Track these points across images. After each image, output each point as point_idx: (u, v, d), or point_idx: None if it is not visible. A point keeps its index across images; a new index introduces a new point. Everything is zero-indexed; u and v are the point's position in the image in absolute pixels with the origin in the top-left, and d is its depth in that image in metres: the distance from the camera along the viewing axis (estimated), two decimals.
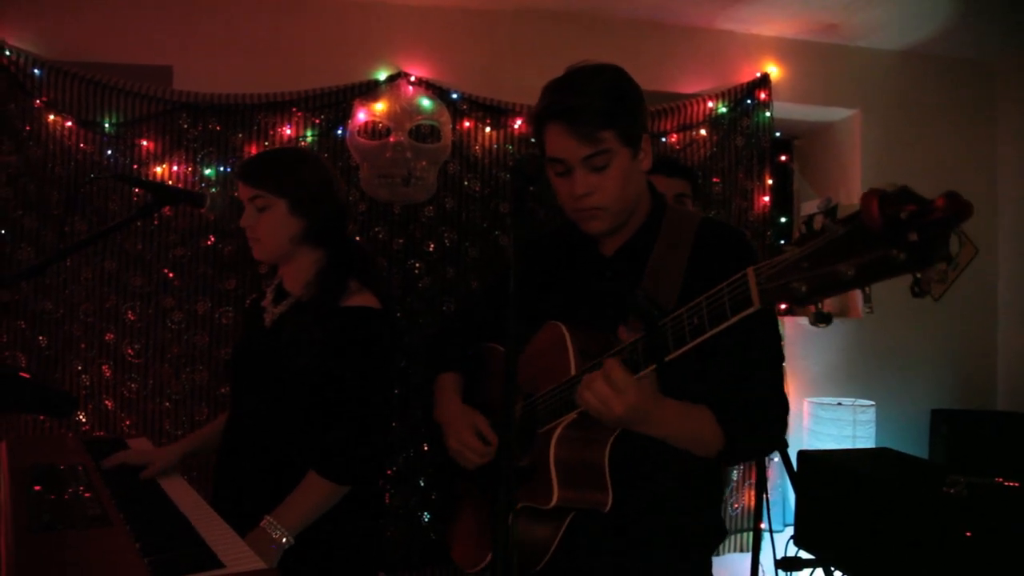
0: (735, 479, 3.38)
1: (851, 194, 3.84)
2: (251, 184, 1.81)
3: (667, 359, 1.20)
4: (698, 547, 1.54)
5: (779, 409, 1.45)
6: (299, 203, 1.80)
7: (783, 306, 3.62)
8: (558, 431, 1.38)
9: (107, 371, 2.88)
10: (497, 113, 3.23)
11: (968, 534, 2.12)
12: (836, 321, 3.72)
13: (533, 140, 1.55)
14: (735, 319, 1.08)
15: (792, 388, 3.61)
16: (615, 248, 1.54)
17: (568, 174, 1.43)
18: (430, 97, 3.13)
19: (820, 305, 0.95)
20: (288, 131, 3.04)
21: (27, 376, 1.72)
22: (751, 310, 1.05)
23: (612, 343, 1.38)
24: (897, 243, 0.83)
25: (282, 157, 1.91)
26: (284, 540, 1.62)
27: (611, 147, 1.39)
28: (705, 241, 1.47)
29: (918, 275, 0.84)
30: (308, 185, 1.82)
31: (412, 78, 3.16)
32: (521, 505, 1.40)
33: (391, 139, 3.03)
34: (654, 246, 1.49)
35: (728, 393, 1.39)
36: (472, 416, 1.61)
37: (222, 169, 2.98)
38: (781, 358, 1.48)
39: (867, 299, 0.92)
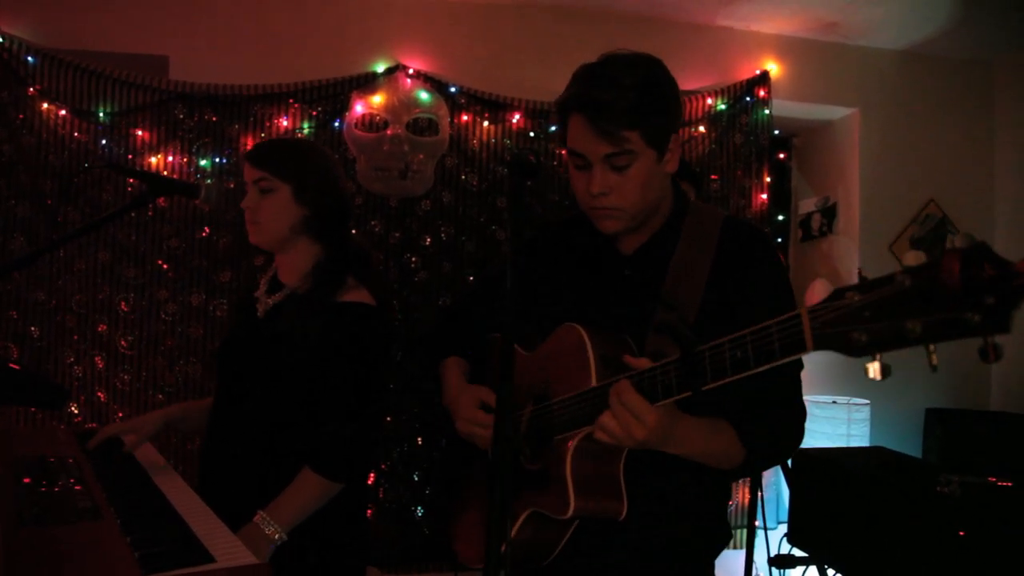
0: None
1: (849, 193, 3.84)
2: (258, 166, 1.78)
3: (704, 388, 1.14)
4: (704, 551, 1.51)
5: (798, 419, 1.41)
6: (303, 191, 1.78)
7: None
8: (575, 441, 1.33)
9: (100, 362, 2.87)
10: (495, 107, 3.21)
11: (962, 533, 2.12)
12: None
13: (555, 127, 1.49)
14: (785, 360, 1.03)
15: None
16: (635, 247, 1.47)
17: (587, 169, 1.36)
18: (428, 90, 3.12)
19: (879, 357, 0.90)
20: (285, 123, 3.03)
21: (17, 367, 1.70)
22: (802, 354, 1.00)
23: (631, 347, 1.34)
24: (972, 305, 0.79)
25: (293, 145, 1.91)
26: (277, 536, 1.61)
27: (635, 148, 1.32)
28: (729, 241, 1.41)
29: (990, 340, 0.79)
30: (314, 175, 1.80)
31: (410, 71, 3.14)
32: (532, 511, 1.38)
33: (388, 132, 3.02)
34: (676, 246, 1.42)
35: (747, 403, 1.33)
36: (476, 391, 1.55)
37: (217, 160, 2.97)
38: (800, 365, 1.41)
39: (930, 359, 0.86)
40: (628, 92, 1.30)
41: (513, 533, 1.43)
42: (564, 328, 1.42)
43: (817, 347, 0.97)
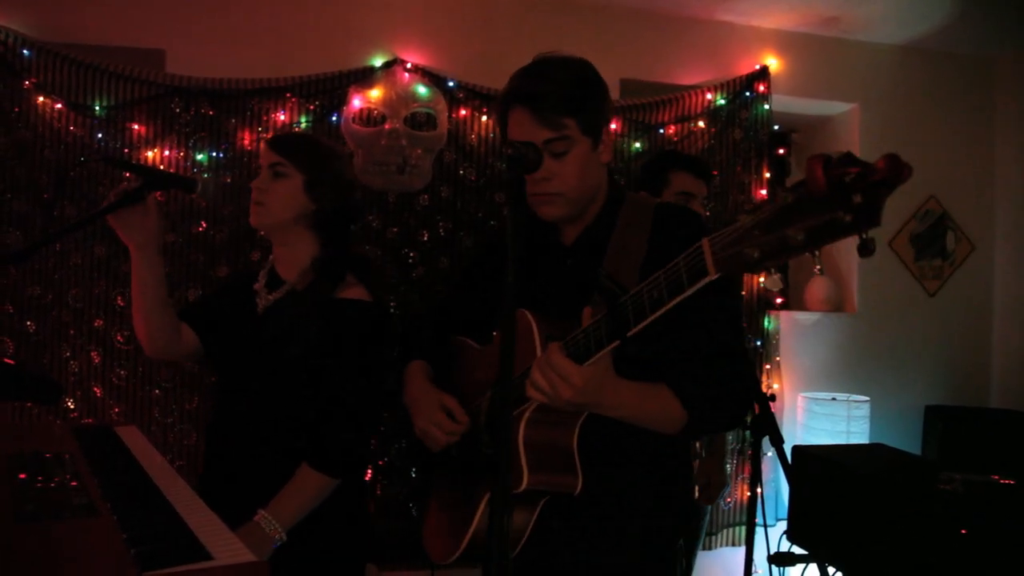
0: (729, 471, 3.37)
1: None
2: (277, 151, 1.82)
3: (629, 334, 1.19)
4: (668, 527, 1.56)
5: (741, 381, 1.48)
6: (315, 184, 1.80)
7: (761, 278, 3.61)
8: (526, 414, 1.38)
9: (96, 357, 2.85)
10: (494, 101, 3.15)
11: (964, 532, 2.11)
12: (831, 316, 3.69)
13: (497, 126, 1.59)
14: (692, 289, 1.09)
15: (786, 383, 3.61)
16: (575, 236, 1.57)
17: None
18: (426, 84, 3.09)
19: (772, 271, 0.98)
20: (282, 117, 3.00)
21: (11, 363, 1.68)
22: (707, 279, 1.06)
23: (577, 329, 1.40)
24: (843, 205, 0.86)
25: (315, 141, 1.95)
26: (278, 536, 1.62)
27: (572, 135, 1.43)
28: (662, 224, 1.50)
29: (864, 235, 0.86)
30: (331, 173, 1.83)
31: (408, 65, 3.12)
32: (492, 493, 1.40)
33: (386, 126, 3.00)
34: (612, 232, 1.51)
35: (689, 369, 1.41)
36: (440, 395, 1.61)
37: (214, 154, 2.94)
38: (742, 333, 1.52)
39: (818, 262, 0.94)
40: (563, 85, 1.43)
41: (476, 521, 1.47)
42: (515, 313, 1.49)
43: (719, 270, 1.04)
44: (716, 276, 1.05)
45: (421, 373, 1.72)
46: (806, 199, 0.90)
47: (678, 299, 1.11)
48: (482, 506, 1.45)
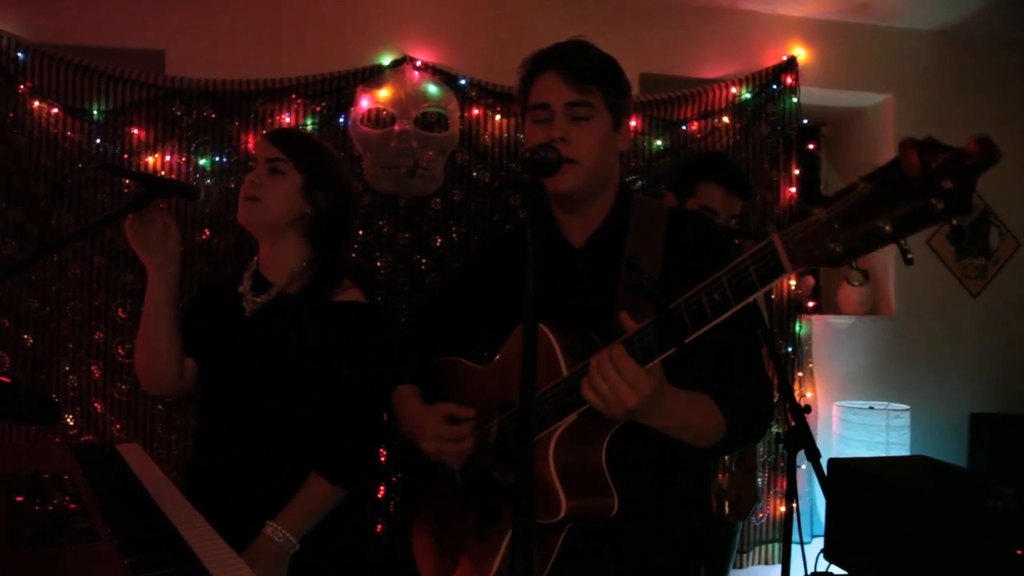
0: (761, 485, 3.23)
1: None
2: (278, 147, 1.78)
3: (687, 340, 1.15)
4: (686, 549, 1.50)
5: (768, 394, 1.46)
6: (313, 187, 1.76)
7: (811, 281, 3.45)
8: (556, 434, 1.32)
9: (96, 372, 2.78)
10: (508, 100, 3.09)
11: (1019, 552, 2.00)
12: (867, 319, 3.52)
13: (517, 100, 1.59)
14: (765, 288, 1.07)
15: (820, 391, 3.50)
16: (585, 237, 1.53)
17: (548, 121, 1.45)
18: (437, 83, 3.01)
19: (855, 263, 0.98)
20: (287, 119, 2.93)
21: (8, 380, 1.65)
22: (783, 276, 1.05)
23: (594, 338, 1.36)
24: (934, 192, 0.85)
25: (318, 142, 1.92)
26: (289, 545, 1.60)
27: (595, 103, 1.44)
28: (678, 229, 1.48)
29: (955, 222, 0.87)
30: (330, 178, 1.80)
31: (418, 63, 3.04)
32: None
33: (396, 127, 2.92)
34: (626, 235, 1.49)
35: (725, 381, 1.38)
36: (440, 408, 1.55)
37: (217, 159, 2.87)
38: (760, 344, 1.52)
39: (904, 253, 0.94)
40: (595, 58, 1.48)
41: (499, 562, 1.39)
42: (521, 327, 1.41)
43: (795, 266, 1.02)
44: (794, 273, 1.03)
45: (413, 398, 1.65)
46: (892, 187, 0.89)
47: (747, 300, 1.08)
48: (504, 543, 1.39)
